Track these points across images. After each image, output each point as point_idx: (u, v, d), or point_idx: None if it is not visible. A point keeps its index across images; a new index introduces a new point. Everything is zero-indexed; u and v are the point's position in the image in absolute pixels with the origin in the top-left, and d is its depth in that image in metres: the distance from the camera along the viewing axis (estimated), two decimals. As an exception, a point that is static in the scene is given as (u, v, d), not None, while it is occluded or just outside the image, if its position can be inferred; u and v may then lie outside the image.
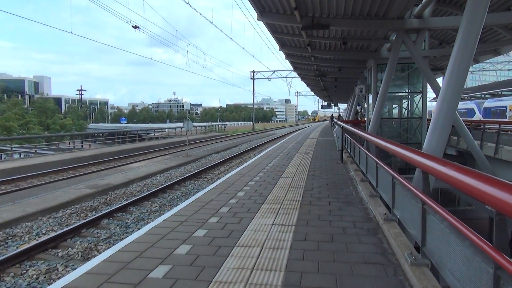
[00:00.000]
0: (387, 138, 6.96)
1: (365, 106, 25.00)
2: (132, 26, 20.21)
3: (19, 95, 75.25)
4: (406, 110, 16.07)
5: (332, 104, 65.43)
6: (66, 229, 7.98)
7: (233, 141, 33.19)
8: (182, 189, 12.91)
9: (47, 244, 7.18)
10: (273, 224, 5.11)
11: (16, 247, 7.20)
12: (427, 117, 15.29)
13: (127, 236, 5.56)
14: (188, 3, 17.36)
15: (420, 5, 11.21)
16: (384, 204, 5.58)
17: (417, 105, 15.57)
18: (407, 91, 16.05)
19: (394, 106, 16.96)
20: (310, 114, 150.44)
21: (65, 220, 9.03)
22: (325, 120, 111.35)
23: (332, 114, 53.84)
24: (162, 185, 13.21)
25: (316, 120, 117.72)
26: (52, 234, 7.68)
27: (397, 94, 16.49)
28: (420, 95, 15.41)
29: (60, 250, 7.16)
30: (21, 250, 6.71)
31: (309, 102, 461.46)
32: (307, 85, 41.61)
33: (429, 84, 13.22)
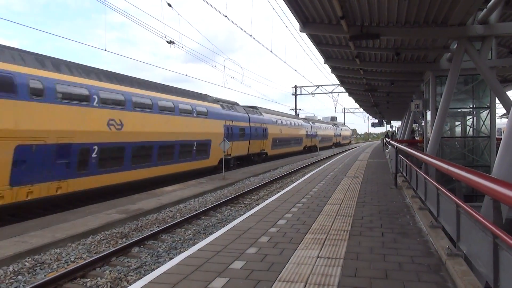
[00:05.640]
0: (449, 160, 6.73)
1: (422, 124, 24.33)
2: (167, 41, 21.03)
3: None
4: (471, 128, 15.47)
5: (384, 122, 64.19)
6: (95, 257, 8.23)
7: (273, 163, 33.18)
8: (217, 215, 13.02)
9: (75, 273, 7.42)
10: (318, 256, 5.02)
11: (44, 275, 7.50)
12: (497, 136, 14.65)
13: (159, 266, 5.65)
14: (225, 16, 17.92)
15: (485, 9, 10.85)
16: (447, 236, 5.36)
17: (484, 122, 14.96)
18: (471, 106, 15.50)
19: (457, 123, 16.43)
20: None
21: (94, 247, 9.32)
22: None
23: (387, 133, 52.64)
24: (196, 210, 13.38)
25: None
26: (81, 262, 7.94)
27: (460, 110, 15.97)
28: (487, 111, 14.81)
29: (89, 279, 7.37)
30: (49, 279, 6.97)
31: (358, 119, 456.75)
32: (356, 101, 41.16)
33: (498, 98, 12.67)
